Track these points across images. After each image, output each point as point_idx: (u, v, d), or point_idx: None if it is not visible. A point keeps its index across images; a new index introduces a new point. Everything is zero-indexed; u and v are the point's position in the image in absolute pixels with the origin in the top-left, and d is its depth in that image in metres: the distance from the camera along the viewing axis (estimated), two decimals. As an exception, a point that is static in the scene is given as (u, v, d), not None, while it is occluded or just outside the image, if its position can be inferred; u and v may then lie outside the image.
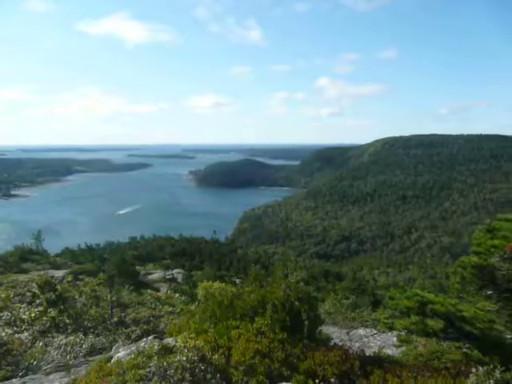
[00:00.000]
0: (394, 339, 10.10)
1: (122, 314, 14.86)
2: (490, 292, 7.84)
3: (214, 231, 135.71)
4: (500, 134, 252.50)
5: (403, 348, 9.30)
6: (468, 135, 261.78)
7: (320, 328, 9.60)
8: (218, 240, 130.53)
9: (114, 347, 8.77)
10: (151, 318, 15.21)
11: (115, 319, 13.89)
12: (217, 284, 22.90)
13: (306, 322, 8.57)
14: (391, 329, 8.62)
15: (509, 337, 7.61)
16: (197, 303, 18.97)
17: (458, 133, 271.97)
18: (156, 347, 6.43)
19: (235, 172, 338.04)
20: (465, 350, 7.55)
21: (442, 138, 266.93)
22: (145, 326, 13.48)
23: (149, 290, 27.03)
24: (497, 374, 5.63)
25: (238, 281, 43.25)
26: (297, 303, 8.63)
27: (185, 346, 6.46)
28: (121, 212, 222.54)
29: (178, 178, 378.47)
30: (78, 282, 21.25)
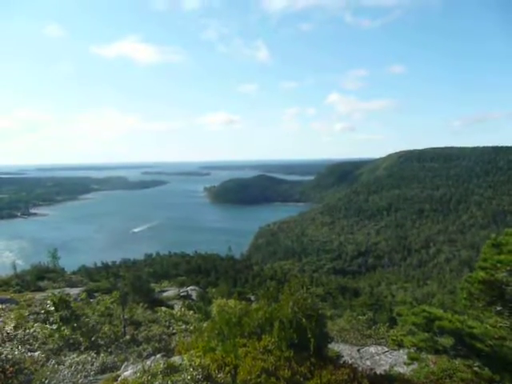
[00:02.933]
0: (405, 357, 9.94)
1: (135, 332, 14.92)
2: (499, 308, 7.70)
3: (230, 247, 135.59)
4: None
5: (414, 366, 9.14)
6: (484, 147, 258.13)
7: (329, 345, 9.50)
8: (233, 256, 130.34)
9: (123, 366, 8.83)
10: (163, 336, 15.23)
11: (128, 337, 13.96)
12: (231, 301, 22.80)
13: (313, 340, 8.50)
14: (400, 346, 8.49)
15: (520, 354, 7.43)
16: (210, 321, 18.93)
17: (474, 145, 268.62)
18: (162, 366, 6.47)
19: (250, 188, 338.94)
20: (475, 368, 7.39)
21: (457, 150, 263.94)
22: (156, 344, 13.49)
23: (163, 308, 27.06)
24: (505, 392, 5.51)
25: (253, 297, 42.98)
26: (304, 320, 8.58)
27: (190, 365, 6.49)
28: (135, 230, 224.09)
29: (193, 195, 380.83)
30: (91, 300, 21.42)
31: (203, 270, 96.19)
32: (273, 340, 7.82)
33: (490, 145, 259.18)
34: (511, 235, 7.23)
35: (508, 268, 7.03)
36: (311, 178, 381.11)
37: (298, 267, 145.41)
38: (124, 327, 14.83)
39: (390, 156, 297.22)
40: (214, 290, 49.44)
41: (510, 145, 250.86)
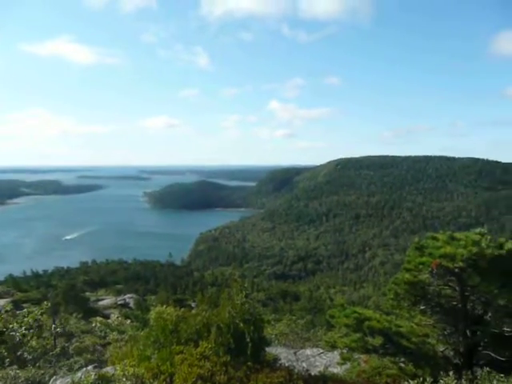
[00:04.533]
0: (339, 357, 10.31)
1: (66, 344, 14.22)
2: (423, 307, 8.23)
3: (170, 254, 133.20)
4: (445, 155, 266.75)
5: (347, 366, 9.49)
6: (415, 156, 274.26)
7: (266, 349, 9.61)
8: (174, 263, 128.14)
9: (51, 380, 8.39)
10: (97, 347, 14.65)
11: (58, 350, 13.26)
12: (170, 309, 22.33)
13: (251, 344, 8.57)
14: (334, 347, 8.80)
15: (441, 349, 7.98)
16: (146, 329, 18.46)
17: (406, 154, 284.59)
18: (93, 377, 6.24)
19: (191, 193, 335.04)
20: (401, 364, 7.82)
21: (391, 159, 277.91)
22: (89, 356, 12.95)
23: (98, 318, 26.02)
24: (426, 386, 5.89)
25: (193, 304, 42.45)
26: (242, 325, 8.63)
27: (124, 375, 6.31)
28: (68, 237, 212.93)
29: (133, 200, 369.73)
30: (19, 312, 20.12)
31: (142, 277, 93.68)
32: (210, 346, 7.78)
33: (421, 154, 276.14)
34: (432, 239, 7.77)
35: (429, 269, 7.54)
36: (253, 183, 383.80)
37: (239, 273, 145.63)
38: (54, 339, 14.09)
39: (329, 163, 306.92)
40: (153, 297, 48.33)
41: (438, 154, 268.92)
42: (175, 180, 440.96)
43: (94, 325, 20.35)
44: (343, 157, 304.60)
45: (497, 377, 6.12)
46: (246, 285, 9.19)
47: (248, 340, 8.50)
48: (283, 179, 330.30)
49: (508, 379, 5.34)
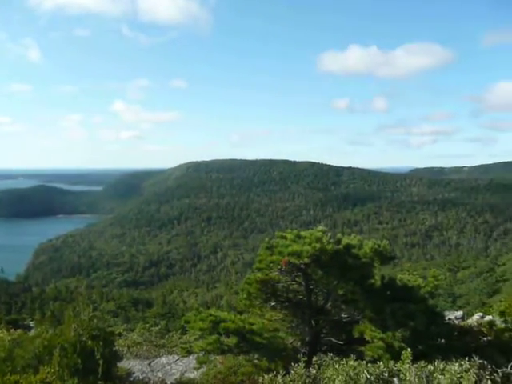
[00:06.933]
0: (195, 362, 10.26)
1: None
2: (273, 303, 8.69)
3: (1, 268, 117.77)
4: (287, 159, 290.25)
5: (203, 369, 9.49)
6: (262, 160, 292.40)
7: (119, 363, 9.04)
8: (7, 278, 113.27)
9: None
10: None
11: None
12: (2, 332, 19.50)
13: (101, 361, 7.95)
14: (190, 352, 8.70)
15: (290, 341, 8.53)
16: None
17: (253, 158, 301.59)
18: None
19: (27, 200, 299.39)
20: (255, 360, 8.12)
21: (239, 162, 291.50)
22: None
23: None
24: (279, 379, 6.17)
25: (32, 323, 37.80)
26: (90, 342, 7.95)
27: None
28: None
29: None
30: None
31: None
32: (53, 370, 6.96)
33: (267, 158, 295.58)
34: (281, 237, 8.26)
35: (279, 267, 8.01)
36: (99, 188, 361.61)
37: (85, 284, 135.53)
38: None
39: (179, 166, 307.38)
40: (-21, 322, 41.69)
41: (281, 158, 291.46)
42: (6, 185, 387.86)
43: None
44: (193, 160, 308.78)
45: (338, 360, 6.75)
46: (93, 296, 8.44)
47: (98, 357, 7.88)
48: (132, 183, 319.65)
49: (347, 361, 5.93)
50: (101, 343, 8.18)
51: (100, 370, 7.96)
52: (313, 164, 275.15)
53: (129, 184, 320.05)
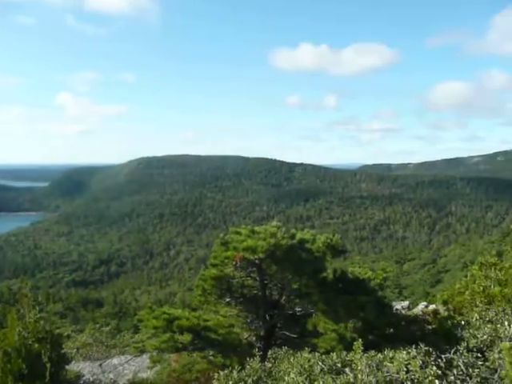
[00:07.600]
0: (149, 361, 10.08)
1: None
2: (228, 299, 8.68)
3: None
4: (240, 155, 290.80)
5: (157, 368, 9.34)
6: (215, 156, 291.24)
7: (68, 366, 8.72)
8: None
9: None
10: None
11: None
12: None
13: (49, 365, 7.62)
14: (143, 352, 8.52)
15: (245, 337, 8.56)
16: None
17: (207, 153, 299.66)
18: None
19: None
20: (210, 357, 8.09)
21: (192, 158, 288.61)
22: None
23: None
24: (234, 374, 6.17)
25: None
26: (36, 345, 7.61)
27: None
28: None
29: None
30: None
31: None
32: (-5, 377, 6.59)
33: (221, 154, 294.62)
34: (236, 233, 8.25)
35: (234, 263, 8.00)
36: (44, 184, 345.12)
37: (30, 285, 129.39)
38: None
39: (130, 162, 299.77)
40: None
41: (234, 154, 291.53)
42: None
43: None
44: (145, 156, 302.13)
45: (292, 353, 6.85)
46: (39, 298, 8.08)
47: (45, 361, 7.57)
48: (80, 179, 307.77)
49: (301, 354, 6.04)
50: (48, 346, 7.86)
51: (47, 373, 7.66)
52: (266, 160, 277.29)
53: (76, 180, 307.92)
